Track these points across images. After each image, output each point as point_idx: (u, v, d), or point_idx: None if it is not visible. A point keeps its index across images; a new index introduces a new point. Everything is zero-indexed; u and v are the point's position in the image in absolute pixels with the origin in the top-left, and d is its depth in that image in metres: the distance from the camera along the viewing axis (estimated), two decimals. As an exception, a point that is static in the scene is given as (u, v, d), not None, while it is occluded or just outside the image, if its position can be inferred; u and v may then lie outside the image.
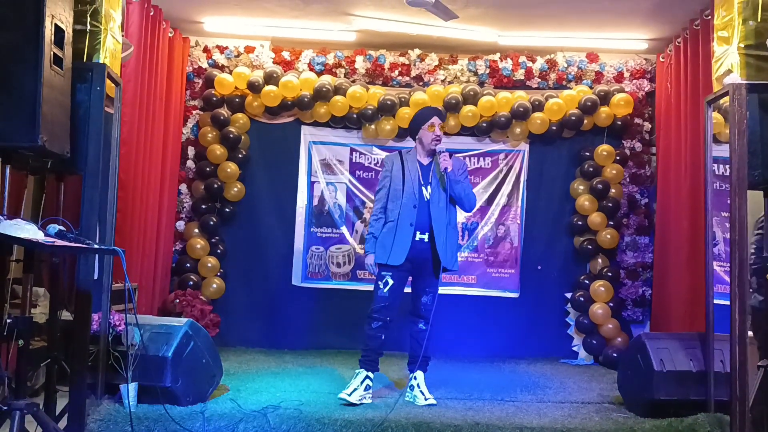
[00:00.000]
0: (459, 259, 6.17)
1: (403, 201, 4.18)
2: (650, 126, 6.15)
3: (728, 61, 3.61)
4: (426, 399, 4.09)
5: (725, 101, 3.69)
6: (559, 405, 4.20)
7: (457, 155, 4.48)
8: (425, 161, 4.30)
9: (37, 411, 2.62)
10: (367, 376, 4.12)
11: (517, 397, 4.39)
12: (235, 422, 3.46)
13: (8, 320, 2.83)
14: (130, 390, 3.52)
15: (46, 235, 2.66)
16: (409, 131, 4.48)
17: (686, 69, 5.25)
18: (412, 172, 4.24)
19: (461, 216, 6.26)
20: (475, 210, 6.18)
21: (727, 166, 3.66)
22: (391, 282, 4.15)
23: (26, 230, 2.53)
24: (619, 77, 6.19)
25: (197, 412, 3.54)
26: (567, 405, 4.21)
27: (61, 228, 2.75)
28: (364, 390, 4.08)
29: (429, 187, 4.21)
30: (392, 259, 4.13)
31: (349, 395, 4.01)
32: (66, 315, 3.70)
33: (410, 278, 4.29)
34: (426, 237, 4.15)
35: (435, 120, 4.27)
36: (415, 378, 4.18)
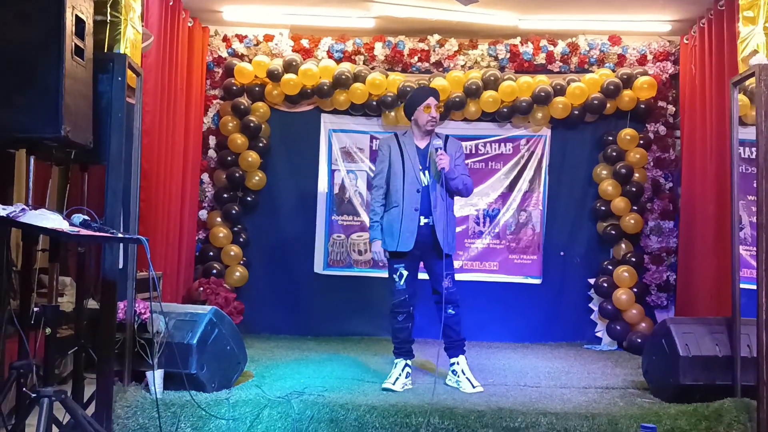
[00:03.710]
0: (481, 245, 6.27)
1: (405, 186, 4.13)
2: (674, 109, 6.06)
3: (754, 42, 3.54)
4: (474, 387, 4.08)
5: (751, 82, 3.63)
6: (584, 390, 4.18)
7: (462, 141, 4.36)
8: (422, 144, 4.23)
9: (65, 398, 2.66)
10: (405, 364, 4.18)
11: (541, 383, 4.38)
12: (260, 408, 3.49)
13: (35, 309, 2.87)
14: (156, 377, 3.57)
15: (71, 224, 2.69)
16: (405, 113, 4.37)
17: (711, 50, 5.16)
18: (411, 156, 4.18)
19: (483, 203, 6.27)
20: (494, 196, 6.22)
21: (754, 149, 3.60)
22: (405, 273, 4.15)
23: (51, 220, 2.56)
24: (642, 60, 6.10)
25: (223, 398, 3.58)
26: (591, 390, 4.19)
27: (86, 218, 2.78)
28: (405, 377, 4.13)
29: (427, 172, 4.16)
30: (401, 245, 4.09)
31: (393, 384, 4.05)
32: (92, 304, 3.76)
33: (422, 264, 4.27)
34: (430, 221, 4.11)
35: (431, 101, 4.17)
36: (457, 363, 4.17)
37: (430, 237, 4.09)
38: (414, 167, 4.15)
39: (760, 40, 3.50)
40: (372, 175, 6.18)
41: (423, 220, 4.11)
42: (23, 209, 2.56)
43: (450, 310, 4.16)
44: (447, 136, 4.27)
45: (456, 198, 4.31)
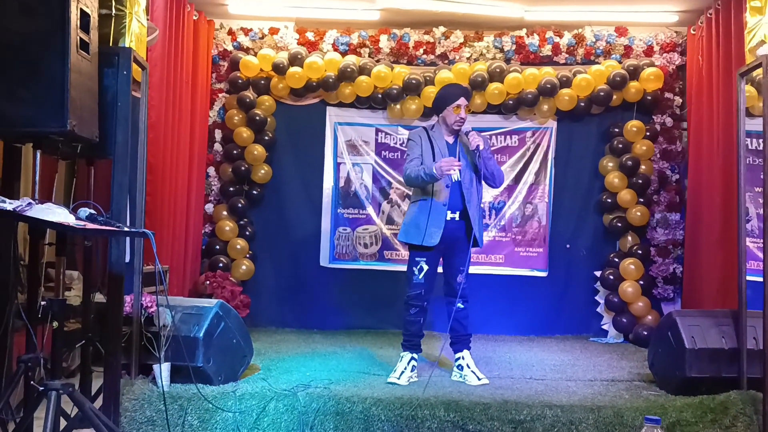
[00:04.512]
0: (487, 238, 6.26)
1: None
2: (681, 100, 6.02)
3: (761, 32, 3.52)
4: (479, 379, 4.09)
5: (758, 73, 3.62)
6: (589, 383, 4.18)
7: (481, 133, 4.39)
8: (450, 140, 4.23)
9: (72, 391, 2.68)
10: (412, 358, 4.18)
11: (546, 376, 4.38)
12: (266, 401, 3.51)
13: (43, 303, 2.89)
14: (163, 370, 3.58)
15: (77, 218, 2.69)
16: (433, 107, 4.38)
17: (718, 41, 5.13)
18: (441, 151, 4.15)
19: (488, 195, 6.26)
20: (503, 187, 6.20)
21: (761, 140, 3.59)
22: (425, 268, 4.13)
23: (58, 214, 2.57)
24: (648, 51, 6.06)
25: (229, 391, 3.60)
26: (597, 383, 4.19)
27: (92, 211, 2.78)
28: (411, 371, 4.13)
29: None
30: (427, 239, 4.06)
31: (398, 378, 4.05)
32: (99, 297, 3.78)
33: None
34: (457, 216, 4.10)
35: (461, 101, 4.14)
36: (462, 358, 4.19)
37: (456, 232, 4.09)
38: None
39: (768, 31, 3.48)
40: (379, 167, 6.27)
41: (450, 215, 4.09)
42: (30, 203, 2.57)
43: (459, 304, 4.15)
44: (473, 130, 4.22)
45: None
